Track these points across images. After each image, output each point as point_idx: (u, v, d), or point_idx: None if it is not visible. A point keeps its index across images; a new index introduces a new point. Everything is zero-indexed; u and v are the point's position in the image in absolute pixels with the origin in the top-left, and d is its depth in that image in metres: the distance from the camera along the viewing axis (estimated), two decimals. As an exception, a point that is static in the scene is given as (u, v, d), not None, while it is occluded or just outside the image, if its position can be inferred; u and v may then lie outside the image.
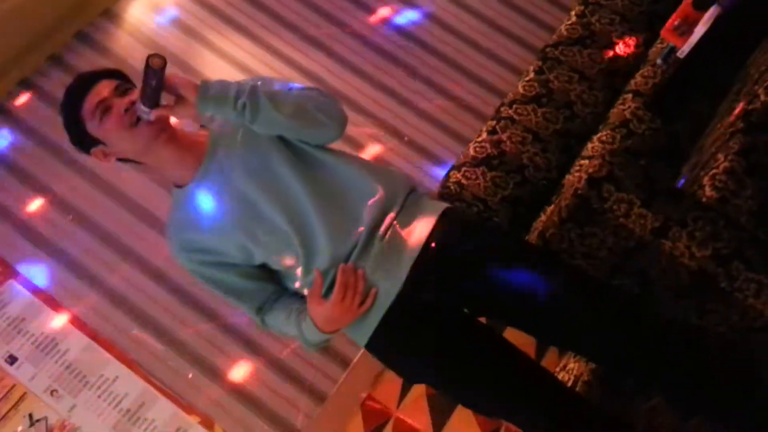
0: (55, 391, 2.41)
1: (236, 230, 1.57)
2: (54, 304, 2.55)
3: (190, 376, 2.48)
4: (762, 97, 1.71)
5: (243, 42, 3.14)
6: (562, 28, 2.77)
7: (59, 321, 2.51)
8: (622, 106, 2.49)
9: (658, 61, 1.57)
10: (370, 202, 1.57)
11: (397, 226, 1.58)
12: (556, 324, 1.58)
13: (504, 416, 1.76)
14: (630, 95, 2.50)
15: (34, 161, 2.80)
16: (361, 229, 1.55)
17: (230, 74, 2.99)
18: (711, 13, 1.26)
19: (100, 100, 1.50)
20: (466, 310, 1.66)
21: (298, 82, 1.68)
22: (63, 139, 1.62)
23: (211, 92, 1.42)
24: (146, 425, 2.39)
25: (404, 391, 2.43)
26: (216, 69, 3.02)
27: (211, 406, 2.45)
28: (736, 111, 1.74)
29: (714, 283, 1.53)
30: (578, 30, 2.72)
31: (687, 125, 2.40)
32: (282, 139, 1.58)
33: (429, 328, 1.57)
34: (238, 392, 2.47)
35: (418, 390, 2.42)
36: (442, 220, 1.60)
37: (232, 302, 1.67)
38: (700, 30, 1.28)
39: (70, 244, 2.67)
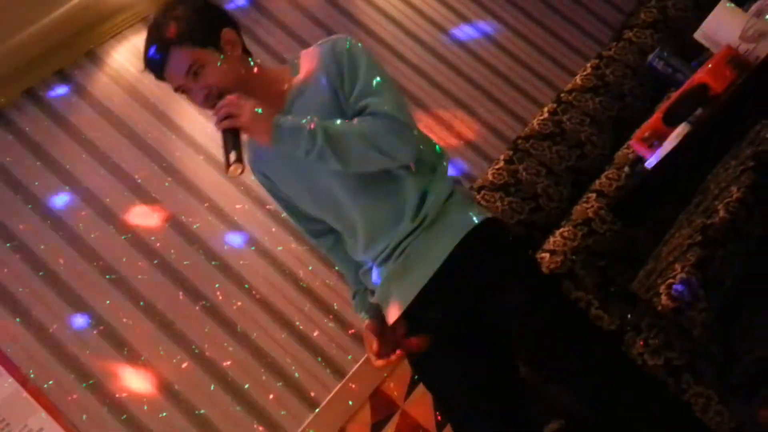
0: (-26, 436, 2.27)
1: (296, 183, 1.68)
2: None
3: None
4: (721, 213, 1.77)
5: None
6: (534, 121, 2.85)
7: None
8: (585, 204, 2.55)
9: (626, 168, 1.64)
10: (399, 219, 1.59)
11: (415, 243, 1.58)
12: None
13: None
14: (594, 195, 2.56)
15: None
16: (389, 241, 1.60)
17: (205, 125, 2.99)
18: (680, 130, 1.31)
19: (177, 86, 1.57)
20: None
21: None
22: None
23: (282, 143, 1.49)
24: (67, 484, 2.25)
25: (412, 385, 2.51)
26: (193, 121, 3.03)
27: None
28: (695, 224, 1.79)
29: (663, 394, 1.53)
30: (549, 126, 2.81)
31: (646, 231, 2.46)
32: None
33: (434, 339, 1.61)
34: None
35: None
36: (462, 246, 1.56)
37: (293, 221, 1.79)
38: (669, 145, 1.32)
39: (16, 283, 2.57)
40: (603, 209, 2.48)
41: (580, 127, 2.80)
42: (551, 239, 2.46)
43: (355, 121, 1.51)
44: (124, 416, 2.42)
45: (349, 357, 2.58)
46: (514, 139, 2.80)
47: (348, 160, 1.50)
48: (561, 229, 2.48)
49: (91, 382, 2.45)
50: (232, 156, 1.49)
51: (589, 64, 3.07)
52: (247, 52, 1.66)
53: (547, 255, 2.35)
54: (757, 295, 1.72)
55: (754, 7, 1.49)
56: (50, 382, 2.41)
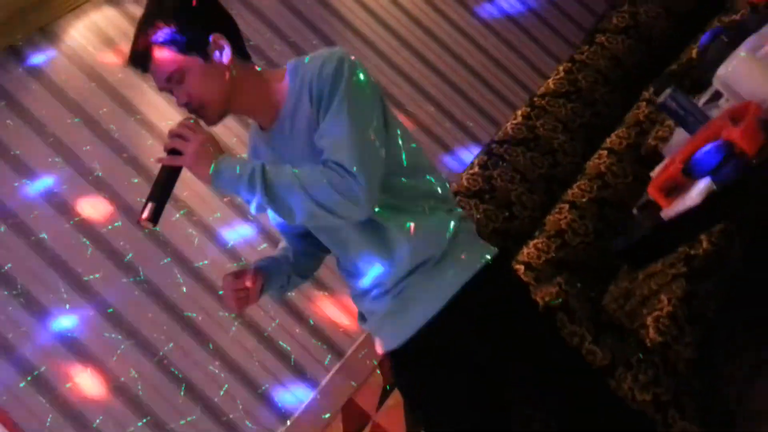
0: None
1: None
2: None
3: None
4: (704, 244, 1.81)
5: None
6: (508, 125, 2.85)
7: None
8: (558, 215, 2.57)
9: (634, 210, 1.64)
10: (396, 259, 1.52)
11: (413, 284, 1.51)
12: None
13: None
14: (566, 205, 2.58)
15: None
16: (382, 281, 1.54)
17: (167, 111, 2.86)
18: (703, 185, 1.31)
19: (161, 88, 1.50)
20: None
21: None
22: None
23: (222, 190, 1.46)
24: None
25: (383, 396, 2.55)
26: (155, 103, 2.89)
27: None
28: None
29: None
30: (523, 131, 2.81)
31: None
32: None
33: (433, 375, 1.55)
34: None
35: (396, 398, 2.50)
36: (463, 291, 1.49)
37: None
38: (690, 200, 1.32)
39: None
40: (576, 221, 2.52)
41: (553, 133, 2.81)
42: (525, 250, 2.47)
43: (306, 169, 1.41)
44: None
45: (326, 362, 2.56)
46: (488, 143, 2.79)
47: (291, 215, 1.42)
48: (535, 241, 2.49)
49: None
50: (148, 209, 1.38)
51: (561, 67, 3.07)
52: (244, 55, 1.54)
53: (522, 267, 2.37)
54: (737, 325, 1.78)
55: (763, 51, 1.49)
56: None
